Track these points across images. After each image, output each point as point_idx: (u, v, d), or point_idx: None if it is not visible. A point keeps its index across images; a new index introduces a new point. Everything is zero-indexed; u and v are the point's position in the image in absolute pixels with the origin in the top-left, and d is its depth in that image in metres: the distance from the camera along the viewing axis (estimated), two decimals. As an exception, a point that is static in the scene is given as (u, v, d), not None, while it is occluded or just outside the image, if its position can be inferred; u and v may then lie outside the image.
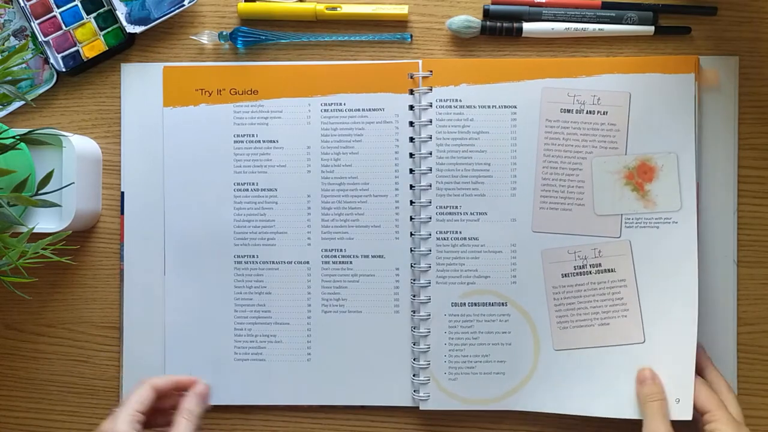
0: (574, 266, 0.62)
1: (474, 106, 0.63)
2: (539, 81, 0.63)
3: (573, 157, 0.62)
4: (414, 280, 0.63)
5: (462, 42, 0.65)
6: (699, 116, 0.62)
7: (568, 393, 0.62)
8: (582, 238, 0.62)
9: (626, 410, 0.60)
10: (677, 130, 0.61)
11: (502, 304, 0.63)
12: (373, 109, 0.64)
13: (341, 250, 0.64)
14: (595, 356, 0.62)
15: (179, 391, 0.60)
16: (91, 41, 0.65)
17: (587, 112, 0.62)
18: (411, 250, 0.64)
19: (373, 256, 0.64)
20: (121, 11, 0.64)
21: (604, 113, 0.62)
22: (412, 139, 0.64)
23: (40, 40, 0.65)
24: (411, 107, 0.64)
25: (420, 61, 0.64)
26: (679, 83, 0.61)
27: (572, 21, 0.64)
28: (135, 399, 0.56)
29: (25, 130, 0.59)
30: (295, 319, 0.65)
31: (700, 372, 0.60)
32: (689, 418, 0.58)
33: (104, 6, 0.65)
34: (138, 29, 0.64)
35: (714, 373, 0.60)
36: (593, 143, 0.62)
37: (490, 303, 0.63)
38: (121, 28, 0.65)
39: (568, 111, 0.62)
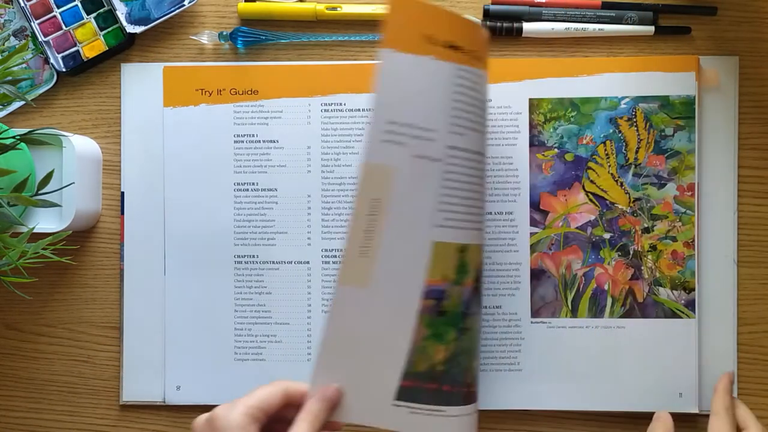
0: None
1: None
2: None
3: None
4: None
5: (462, 42, 0.65)
6: (699, 116, 0.63)
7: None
8: None
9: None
10: None
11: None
12: None
13: (341, 250, 0.64)
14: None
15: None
16: (91, 41, 0.65)
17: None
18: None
19: (373, 256, 0.64)
20: (121, 11, 0.64)
21: None
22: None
23: (40, 40, 0.65)
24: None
25: (420, 61, 0.64)
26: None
27: (572, 21, 0.64)
28: (259, 394, 0.49)
29: (25, 130, 0.59)
30: (295, 319, 0.65)
31: None
32: None
33: (104, 6, 0.65)
34: (138, 29, 0.64)
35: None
36: None
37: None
38: (121, 28, 0.65)
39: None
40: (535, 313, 0.63)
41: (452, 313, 0.51)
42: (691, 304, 0.62)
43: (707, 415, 0.58)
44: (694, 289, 0.62)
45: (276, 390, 0.49)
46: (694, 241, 0.62)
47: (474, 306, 0.53)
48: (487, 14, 0.64)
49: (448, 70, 0.49)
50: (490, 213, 0.63)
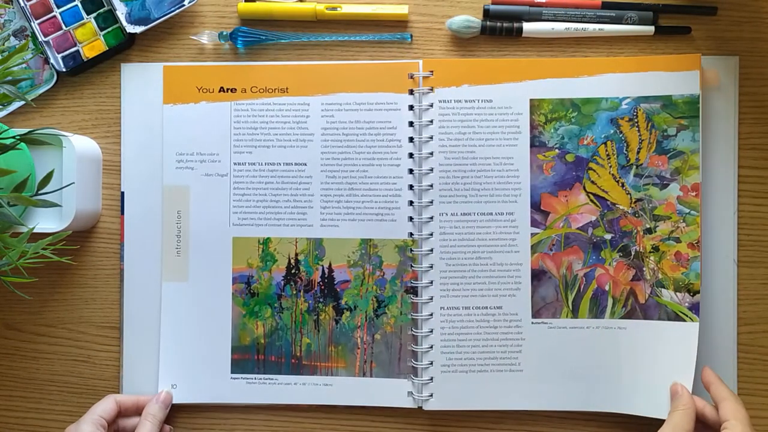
0: None
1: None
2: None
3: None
4: (416, 279, 0.63)
5: (462, 42, 0.65)
6: (699, 116, 0.63)
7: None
8: None
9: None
10: None
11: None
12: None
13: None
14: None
15: (141, 411, 0.63)
16: (91, 41, 0.65)
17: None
18: (411, 251, 0.64)
19: (373, 257, 0.64)
20: (121, 11, 0.64)
21: None
22: (411, 140, 0.64)
23: (40, 40, 0.65)
24: (411, 107, 0.64)
25: (420, 62, 0.64)
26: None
27: (572, 21, 0.64)
28: (98, 407, 0.61)
29: (25, 130, 0.59)
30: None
31: None
32: None
33: (104, 6, 0.65)
34: (138, 29, 0.64)
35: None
36: None
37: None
38: (121, 28, 0.65)
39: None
40: (536, 313, 0.63)
41: (265, 294, 0.64)
42: (695, 307, 0.61)
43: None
44: (698, 292, 0.61)
45: (110, 401, 0.61)
46: (698, 242, 0.62)
47: (292, 290, 0.63)
48: (487, 14, 0.64)
49: (224, 108, 0.64)
50: (491, 213, 0.63)
